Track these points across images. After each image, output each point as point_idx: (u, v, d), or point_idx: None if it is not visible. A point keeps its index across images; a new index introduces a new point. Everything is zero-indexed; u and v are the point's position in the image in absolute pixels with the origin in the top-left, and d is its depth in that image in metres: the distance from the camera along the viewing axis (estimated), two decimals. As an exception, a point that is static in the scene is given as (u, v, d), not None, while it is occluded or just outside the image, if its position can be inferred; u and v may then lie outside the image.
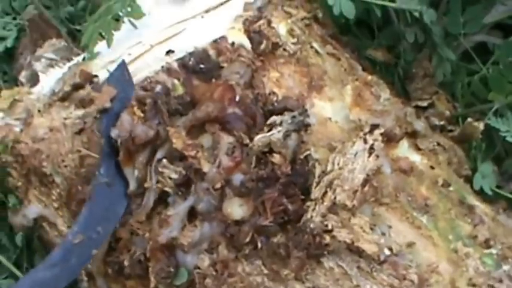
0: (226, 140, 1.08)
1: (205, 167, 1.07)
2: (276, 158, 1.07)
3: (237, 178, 1.07)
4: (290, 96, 1.12)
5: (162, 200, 1.10)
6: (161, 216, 1.08)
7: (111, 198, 1.11)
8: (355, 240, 1.07)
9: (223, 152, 1.07)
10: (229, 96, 1.10)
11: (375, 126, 1.14)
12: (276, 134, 1.07)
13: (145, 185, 1.09)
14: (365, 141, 1.11)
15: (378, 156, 1.10)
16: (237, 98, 1.10)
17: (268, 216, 1.06)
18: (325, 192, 1.08)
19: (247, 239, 1.07)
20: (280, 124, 1.08)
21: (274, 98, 1.11)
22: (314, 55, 1.17)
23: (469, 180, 1.33)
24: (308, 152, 1.09)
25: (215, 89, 1.10)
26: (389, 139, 1.14)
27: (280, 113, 1.09)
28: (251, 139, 1.08)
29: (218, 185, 1.06)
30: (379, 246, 1.07)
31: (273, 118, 1.08)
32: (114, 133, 1.09)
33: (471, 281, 1.09)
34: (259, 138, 1.07)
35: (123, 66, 1.14)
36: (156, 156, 1.09)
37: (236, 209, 1.08)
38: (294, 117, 1.08)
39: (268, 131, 1.08)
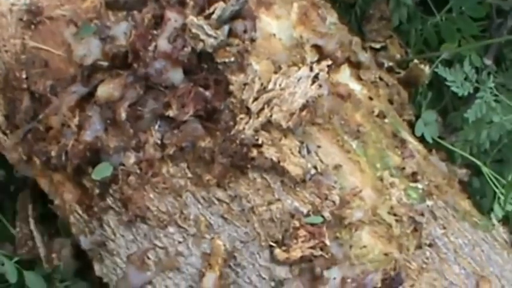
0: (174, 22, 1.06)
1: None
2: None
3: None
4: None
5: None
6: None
7: None
8: (282, 160, 1.07)
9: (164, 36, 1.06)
10: None
11: (320, 53, 1.15)
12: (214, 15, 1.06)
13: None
14: (311, 69, 1.11)
15: (320, 86, 1.11)
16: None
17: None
18: (262, 109, 1.08)
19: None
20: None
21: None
22: (267, -26, 1.16)
23: (411, 126, 1.34)
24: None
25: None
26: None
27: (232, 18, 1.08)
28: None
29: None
30: (304, 170, 1.08)
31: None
32: None
33: (392, 210, 1.10)
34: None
35: None
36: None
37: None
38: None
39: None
